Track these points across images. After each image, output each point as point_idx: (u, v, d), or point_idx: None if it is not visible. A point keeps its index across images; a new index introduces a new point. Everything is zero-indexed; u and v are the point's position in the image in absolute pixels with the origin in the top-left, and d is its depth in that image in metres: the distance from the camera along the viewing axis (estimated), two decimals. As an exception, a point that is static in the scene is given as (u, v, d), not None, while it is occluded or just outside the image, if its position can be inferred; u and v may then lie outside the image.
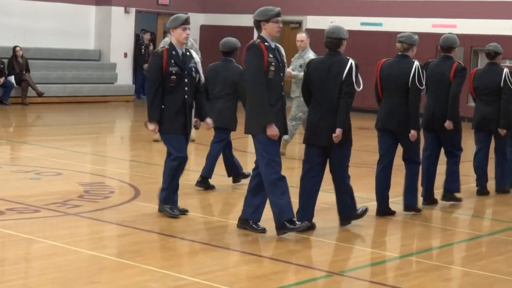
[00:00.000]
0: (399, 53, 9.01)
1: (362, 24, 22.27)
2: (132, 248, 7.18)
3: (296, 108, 13.15)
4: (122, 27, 22.82)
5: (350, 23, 22.40)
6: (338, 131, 7.91)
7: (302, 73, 12.63)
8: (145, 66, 23.22)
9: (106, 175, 10.94)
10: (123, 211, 8.66)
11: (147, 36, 23.41)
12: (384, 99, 9.12)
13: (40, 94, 19.95)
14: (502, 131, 10.19)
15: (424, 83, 8.80)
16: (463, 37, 20.00)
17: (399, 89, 8.87)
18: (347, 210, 8.26)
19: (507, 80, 10.04)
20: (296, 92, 13.17)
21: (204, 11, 25.14)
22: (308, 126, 8.21)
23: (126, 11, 22.96)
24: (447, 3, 20.94)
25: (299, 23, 25.19)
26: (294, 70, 13.07)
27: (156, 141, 13.93)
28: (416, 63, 8.81)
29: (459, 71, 9.44)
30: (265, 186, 7.60)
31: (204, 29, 25.17)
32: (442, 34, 21.50)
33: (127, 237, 7.67)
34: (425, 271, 6.96)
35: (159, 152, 13.20)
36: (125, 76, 23.11)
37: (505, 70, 9.97)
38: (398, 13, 21.70)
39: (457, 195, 9.76)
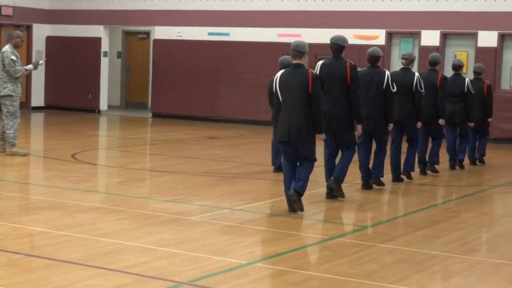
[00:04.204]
0: (403, 67, 12.59)
1: (210, 34, 22.46)
2: (-26, 267, 6.98)
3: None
4: (-37, 39, 22.11)
5: (198, 33, 22.62)
6: (391, 125, 11.63)
7: None
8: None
9: None
10: (-35, 229, 8.40)
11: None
12: (396, 100, 11.96)
13: None
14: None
15: (423, 87, 12.45)
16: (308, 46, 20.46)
17: (405, 93, 12.25)
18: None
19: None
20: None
21: (49, 22, 24.69)
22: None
23: (-33, 22, 22.27)
24: (292, 13, 21.40)
25: (147, 34, 25.17)
26: None
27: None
28: (417, 74, 12.46)
29: (442, 80, 13.21)
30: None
31: (50, 40, 24.72)
32: (288, 43, 22.15)
33: (-31, 255, 7.44)
34: (271, 277, 7.09)
35: (11, 167, 12.86)
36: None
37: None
38: (245, 23, 22.01)
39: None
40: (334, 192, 10.70)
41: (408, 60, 12.64)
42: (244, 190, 11.35)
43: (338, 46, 10.60)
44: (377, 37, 20.27)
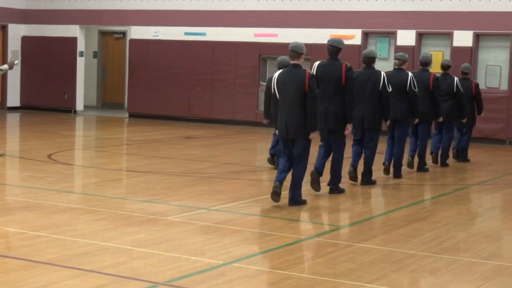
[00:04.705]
0: (396, 67, 13.04)
1: (186, 34, 22.42)
2: (-51, 269, 6.93)
3: None
4: None
5: (174, 33, 22.57)
6: (388, 122, 12.13)
7: None
8: None
9: None
10: None
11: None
12: (390, 100, 12.29)
13: None
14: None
15: (417, 87, 12.90)
16: (285, 46, 20.48)
17: (399, 92, 12.69)
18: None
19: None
20: None
21: (25, 22, 24.55)
22: (355, 116, 11.57)
23: None
24: (269, 13, 21.41)
25: (123, 33, 25.09)
26: None
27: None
28: (410, 74, 12.93)
29: (435, 81, 13.67)
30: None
31: (26, 40, 24.58)
32: (265, 43, 22.12)
33: None
34: (248, 277, 7.08)
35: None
36: None
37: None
38: (222, 23, 21.99)
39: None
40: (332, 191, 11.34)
41: (401, 61, 13.18)
42: (221, 190, 11.35)
43: (335, 48, 11.08)
44: (353, 36, 20.32)
